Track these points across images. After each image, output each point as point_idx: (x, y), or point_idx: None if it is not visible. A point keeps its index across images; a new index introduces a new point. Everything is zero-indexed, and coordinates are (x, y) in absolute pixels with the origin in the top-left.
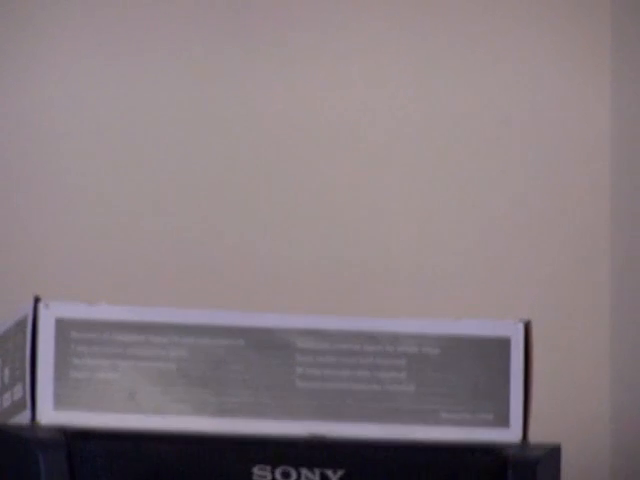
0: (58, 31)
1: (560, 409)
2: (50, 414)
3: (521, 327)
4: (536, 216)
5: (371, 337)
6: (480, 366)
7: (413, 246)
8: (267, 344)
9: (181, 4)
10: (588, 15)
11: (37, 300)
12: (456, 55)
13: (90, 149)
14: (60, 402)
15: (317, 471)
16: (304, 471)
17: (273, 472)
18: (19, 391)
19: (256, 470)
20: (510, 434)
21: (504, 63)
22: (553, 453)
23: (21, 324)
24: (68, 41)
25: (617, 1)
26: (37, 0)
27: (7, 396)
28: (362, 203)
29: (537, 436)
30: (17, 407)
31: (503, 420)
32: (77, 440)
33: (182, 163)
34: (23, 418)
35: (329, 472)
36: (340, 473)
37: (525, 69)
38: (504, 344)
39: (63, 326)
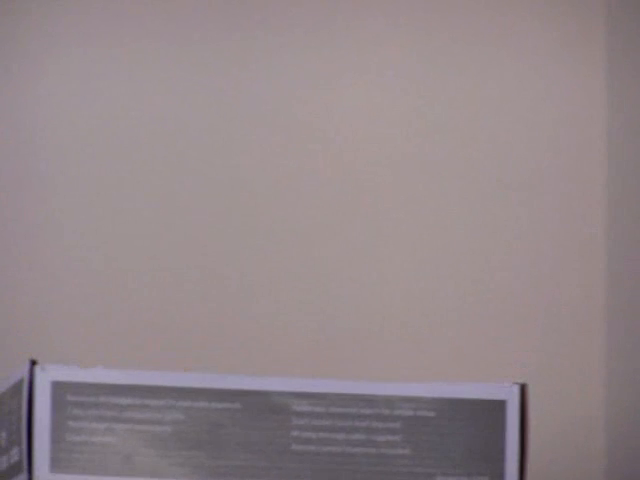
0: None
1: (555, 471)
2: (47, 477)
3: (517, 390)
4: (531, 274)
5: (367, 400)
6: (476, 429)
7: (408, 307)
8: (263, 407)
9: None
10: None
11: (33, 363)
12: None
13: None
14: (56, 465)
15: None
16: None
17: None
18: (16, 454)
19: None
20: None
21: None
22: None
23: (17, 387)
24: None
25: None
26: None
27: (4, 459)
28: (358, 266)
29: None
30: (14, 470)
31: None
32: None
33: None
34: None
35: None
36: None
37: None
38: (500, 407)
39: (59, 389)
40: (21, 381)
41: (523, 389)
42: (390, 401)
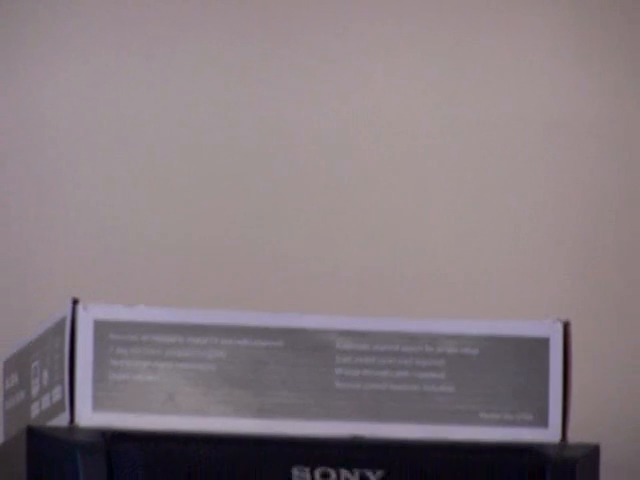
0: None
1: (599, 409)
2: (89, 416)
3: (560, 327)
4: (574, 212)
5: (410, 338)
6: (519, 366)
7: (450, 246)
8: (306, 345)
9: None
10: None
11: (75, 302)
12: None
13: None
14: (99, 404)
15: (356, 472)
16: (343, 472)
17: (312, 473)
18: (58, 393)
19: (295, 471)
20: (549, 434)
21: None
22: (592, 453)
23: (59, 326)
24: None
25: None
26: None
27: (46, 398)
28: (398, 205)
29: (576, 436)
30: (56, 409)
31: (542, 420)
32: (116, 442)
33: (210, 167)
34: (62, 420)
35: (368, 473)
36: (379, 474)
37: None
38: (543, 344)
39: (101, 328)
40: (63, 320)
41: (566, 326)
42: (434, 338)
